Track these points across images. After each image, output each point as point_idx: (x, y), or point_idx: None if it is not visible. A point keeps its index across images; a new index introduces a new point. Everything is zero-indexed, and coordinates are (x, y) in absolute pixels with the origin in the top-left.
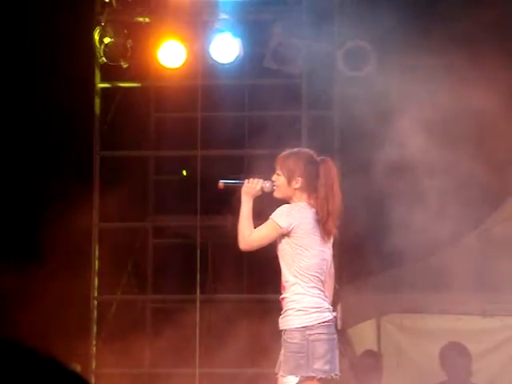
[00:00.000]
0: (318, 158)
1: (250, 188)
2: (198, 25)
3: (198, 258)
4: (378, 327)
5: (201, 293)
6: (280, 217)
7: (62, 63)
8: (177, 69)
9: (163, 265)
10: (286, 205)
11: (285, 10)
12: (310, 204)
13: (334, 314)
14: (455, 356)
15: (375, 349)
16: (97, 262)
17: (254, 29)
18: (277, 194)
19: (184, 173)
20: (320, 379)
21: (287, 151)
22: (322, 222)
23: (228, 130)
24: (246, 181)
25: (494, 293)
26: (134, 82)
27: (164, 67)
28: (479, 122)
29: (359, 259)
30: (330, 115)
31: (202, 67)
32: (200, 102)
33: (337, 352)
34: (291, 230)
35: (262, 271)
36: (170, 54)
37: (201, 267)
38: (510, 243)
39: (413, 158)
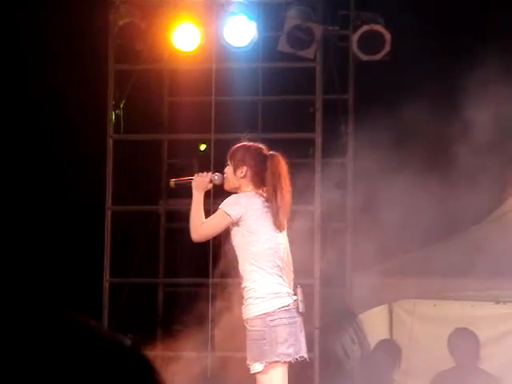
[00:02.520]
0: (268, 153)
1: (200, 181)
2: (212, 7)
3: (211, 242)
4: (391, 313)
5: (213, 276)
6: (228, 206)
7: (76, 45)
8: (191, 52)
9: (176, 248)
10: (234, 194)
11: None
12: (258, 193)
13: (295, 297)
14: (463, 342)
15: (387, 334)
16: (109, 245)
17: (268, 12)
18: (226, 186)
19: (202, 147)
20: (285, 363)
21: (238, 144)
22: (272, 214)
23: (242, 114)
24: (196, 175)
25: (508, 279)
26: (148, 65)
27: (178, 50)
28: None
29: (372, 244)
30: (344, 99)
31: (216, 50)
32: (214, 86)
33: (301, 335)
34: (240, 218)
35: None
36: (184, 37)
37: (213, 251)
38: None
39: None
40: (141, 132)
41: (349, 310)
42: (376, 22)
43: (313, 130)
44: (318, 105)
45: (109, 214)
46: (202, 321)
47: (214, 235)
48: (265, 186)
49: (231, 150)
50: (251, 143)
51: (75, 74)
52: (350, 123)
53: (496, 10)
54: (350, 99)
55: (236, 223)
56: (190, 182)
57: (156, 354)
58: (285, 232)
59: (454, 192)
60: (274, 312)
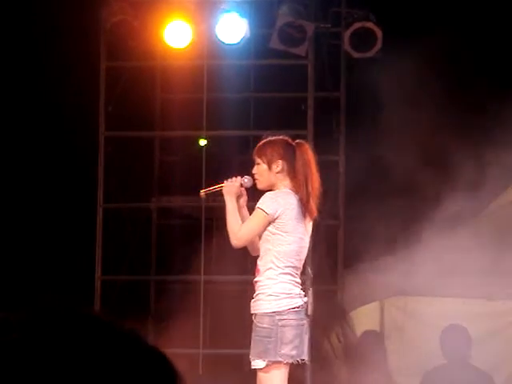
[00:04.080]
0: (294, 142)
1: (230, 187)
2: (204, 5)
3: (203, 238)
4: (382, 310)
5: (205, 274)
6: (265, 204)
7: (68, 42)
8: (183, 49)
9: (167, 245)
10: (270, 191)
11: None
12: (293, 190)
13: (306, 299)
14: (455, 339)
15: (378, 331)
16: (101, 242)
17: (260, 9)
18: (260, 185)
19: (202, 142)
20: (287, 364)
21: (262, 141)
22: (302, 202)
23: (234, 111)
24: (225, 181)
25: (499, 277)
26: (140, 62)
27: (170, 47)
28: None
29: (364, 241)
30: (336, 97)
31: (208, 47)
32: (206, 83)
33: (306, 337)
34: (277, 217)
35: None
36: (176, 34)
37: (205, 248)
38: None
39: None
40: (133, 129)
41: (340, 307)
42: (367, 20)
43: (304, 128)
44: (310, 102)
45: (100, 211)
46: (193, 317)
47: (254, 237)
48: (295, 175)
49: (258, 148)
50: (274, 137)
51: (67, 71)
52: (341, 121)
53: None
54: (341, 96)
55: (271, 220)
56: (221, 190)
57: None
58: (310, 226)
59: (446, 188)
60: (283, 312)
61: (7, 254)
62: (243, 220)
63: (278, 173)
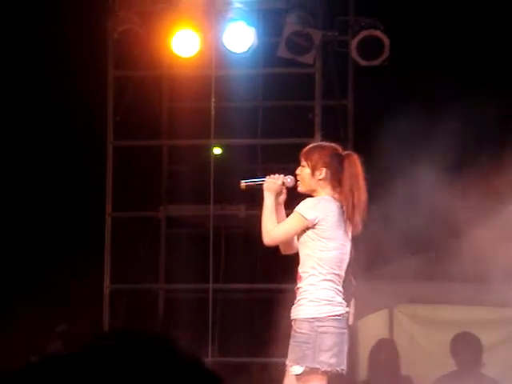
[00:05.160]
0: (344, 152)
1: (272, 183)
2: (211, 14)
3: (211, 247)
4: (391, 317)
5: (213, 282)
6: (306, 209)
7: (76, 52)
8: (190, 58)
9: (176, 254)
10: (311, 197)
11: None
12: (334, 197)
13: (347, 309)
14: (465, 346)
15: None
16: (109, 251)
17: (267, 18)
18: (301, 188)
19: (216, 151)
20: (325, 372)
21: (312, 144)
22: (348, 215)
23: (242, 120)
24: (267, 177)
25: (509, 283)
26: (147, 71)
27: (177, 56)
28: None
29: (372, 249)
30: (344, 105)
31: (216, 57)
32: (213, 92)
33: (346, 347)
34: (316, 223)
35: (274, 261)
36: (183, 43)
37: (213, 257)
38: None
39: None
40: (140, 138)
41: None
42: (375, 28)
43: (312, 136)
44: (318, 110)
45: (109, 220)
46: (202, 326)
47: (288, 239)
48: (341, 187)
49: (306, 151)
50: (325, 143)
51: (75, 81)
52: (349, 129)
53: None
54: (349, 105)
55: (311, 227)
56: (262, 185)
57: None
58: (352, 234)
59: (453, 195)
60: (323, 318)
61: (14, 267)
62: (278, 218)
63: (320, 180)
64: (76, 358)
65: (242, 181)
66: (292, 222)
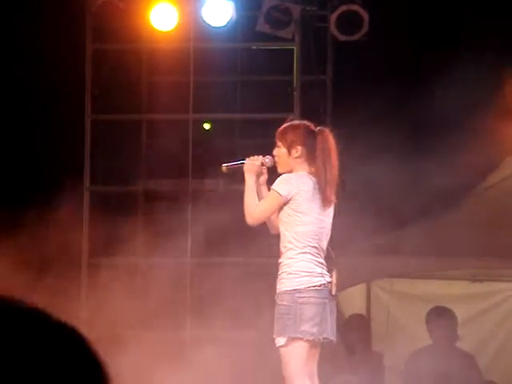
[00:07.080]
0: (316, 129)
1: (251, 165)
2: None
3: (190, 221)
4: (368, 291)
5: (191, 256)
6: (279, 185)
7: (54, 24)
8: (169, 32)
9: (154, 228)
10: (285, 174)
11: None
12: (310, 173)
13: (329, 279)
14: (441, 320)
15: (364, 313)
16: (87, 225)
17: None
18: (280, 169)
19: (206, 126)
20: (308, 341)
21: (285, 124)
22: (320, 190)
23: (220, 94)
24: (247, 159)
25: (484, 258)
26: (126, 44)
27: (156, 29)
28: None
29: (350, 224)
30: (323, 80)
31: (195, 30)
32: (192, 66)
33: (330, 317)
34: (290, 198)
35: (248, 235)
36: (162, 17)
37: (191, 231)
38: (505, 206)
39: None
40: (119, 112)
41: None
42: (354, 2)
43: (291, 111)
44: (297, 85)
45: (87, 194)
46: (180, 300)
47: (268, 217)
48: (315, 162)
49: (279, 131)
50: (298, 121)
51: (53, 54)
52: (328, 104)
53: None
54: (328, 80)
55: (286, 202)
56: (242, 167)
57: (134, 333)
58: (331, 209)
59: (433, 170)
60: (303, 289)
61: None
62: (261, 199)
63: (296, 158)
64: None
65: (223, 164)
66: (269, 200)
